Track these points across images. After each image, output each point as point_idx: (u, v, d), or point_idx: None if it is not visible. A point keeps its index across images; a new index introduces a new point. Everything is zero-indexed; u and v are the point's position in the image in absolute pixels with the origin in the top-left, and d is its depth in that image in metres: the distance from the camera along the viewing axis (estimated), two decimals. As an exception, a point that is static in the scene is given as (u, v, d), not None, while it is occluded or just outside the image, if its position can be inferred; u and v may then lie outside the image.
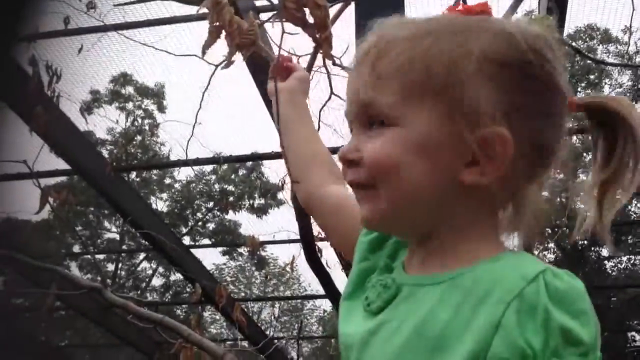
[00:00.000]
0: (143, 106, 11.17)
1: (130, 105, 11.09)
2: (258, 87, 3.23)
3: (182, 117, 4.61)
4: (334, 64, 1.12)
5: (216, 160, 3.82)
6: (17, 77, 2.30)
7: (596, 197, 0.71)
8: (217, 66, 3.05)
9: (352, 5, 1.58)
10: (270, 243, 4.45)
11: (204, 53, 0.96)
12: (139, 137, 10.76)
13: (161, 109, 11.06)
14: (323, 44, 0.63)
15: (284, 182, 3.67)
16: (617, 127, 0.71)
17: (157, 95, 11.10)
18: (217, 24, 0.91)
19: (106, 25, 2.67)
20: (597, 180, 0.71)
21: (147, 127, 10.75)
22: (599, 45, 8.88)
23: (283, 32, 0.79)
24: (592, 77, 9.05)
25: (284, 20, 0.65)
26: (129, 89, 11.04)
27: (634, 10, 2.20)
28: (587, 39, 8.67)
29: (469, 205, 0.69)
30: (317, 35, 0.63)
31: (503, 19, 0.76)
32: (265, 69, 0.97)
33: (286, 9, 0.63)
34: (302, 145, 0.97)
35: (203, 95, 3.04)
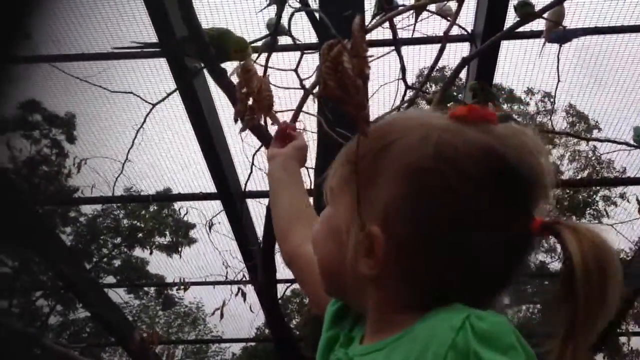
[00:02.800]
0: (51, 135, 10.69)
1: (36, 134, 10.59)
2: (194, 125, 3.25)
3: (92, 149, 4.51)
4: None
5: (145, 198, 3.74)
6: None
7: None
8: (153, 105, 3.02)
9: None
10: (202, 284, 4.38)
11: (236, 120, 0.99)
12: (45, 168, 10.26)
13: (70, 139, 10.62)
14: (359, 122, 0.69)
15: (211, 224, 3.67)
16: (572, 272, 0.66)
17: (66, 124, 10.68)
18: (245, 91, 0.95)
19: (40, 56, 2.61)
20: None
21: (55, 157, 10.27)
22: (504, 104, 9.50)
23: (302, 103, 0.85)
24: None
25: (323, 95, 0.70)
26: (36, 117, 10.56)
27: (559, 81, 2.43)
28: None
29: (374, 289, 0.72)
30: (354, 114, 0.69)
31: (446, 119, 0.73)
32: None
33: (327, 87, 0.69)
34: (288, 206, 1.04)
35: (137, 134, 3.03)
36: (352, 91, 0.73)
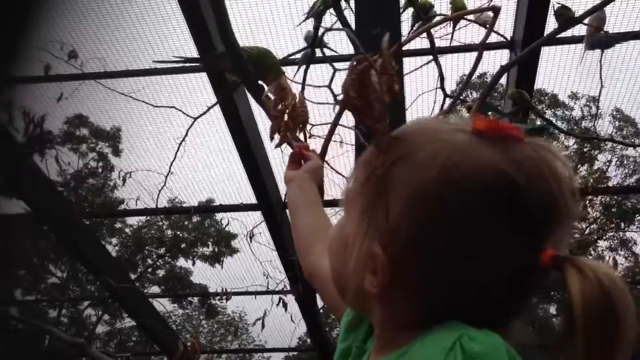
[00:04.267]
0: (97, 149, 11.02)
1: (84, 147, 10.93)
2: (234, 137, 3.30)
3: (137, 163, 4.63)
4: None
5: (187, 210, 3.82)
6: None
7: None
8: (195, 119, 3.08)
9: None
10: (243, 294, 4.43)
11: (271, 138, 1.01)
12: (92, 180, 10.55)
13: (116, 152, 10.91)
14: (378, 134, 0.70)
15: (252, 234, 3.71)
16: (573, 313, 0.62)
17: (112, 138, 10.98)
18: (281, 107, 0.96)
19: (85, 73, 2.71)
20: None
21: (101, 170, 10.57)
22: (547, 109, 9.34)
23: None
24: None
25: (344, 105, 0.71)
26: (84, 131, 10.90)
27: (602, 87, 2.39)
28: (536, 102, 9.12)
29: (379, 306, 0.71)
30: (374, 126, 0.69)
31: (466, 137, 0.69)
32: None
33: (348, 97, 0.70)
34: (307, 226, 1.05)
35: (179, 147, 3.10)
36: (374, 104, 0.73)
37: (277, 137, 1.06)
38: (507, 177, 0.65)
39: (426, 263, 0.66)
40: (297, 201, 1.07)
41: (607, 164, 10.05)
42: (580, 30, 2.58)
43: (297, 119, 0.99)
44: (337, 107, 1.02)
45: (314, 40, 2.81)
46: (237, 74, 1.74)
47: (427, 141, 0.68)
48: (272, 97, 0.98)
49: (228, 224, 4.08)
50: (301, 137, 1.09)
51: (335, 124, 0.97)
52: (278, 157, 3.67)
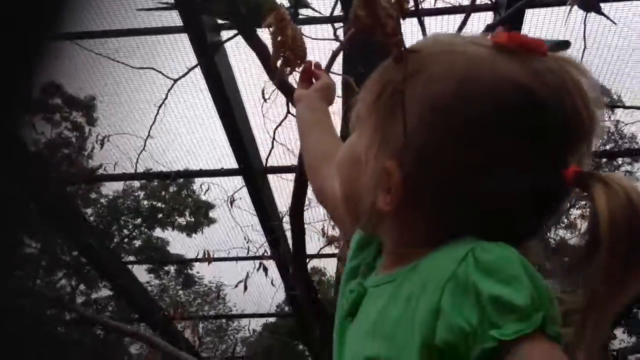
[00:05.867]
0: (71, 118, 10.80)
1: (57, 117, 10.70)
2: (215, 100, 3.25)
3: (115, 127, 4.55)
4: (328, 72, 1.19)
5: (167, 175, 3.79)
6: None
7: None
8: (175, 81, 3.03)
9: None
10: (224, 260, 4.42)
11: (272, 69, 0.99)
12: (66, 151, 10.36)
13: (91, 122, 10.72)
14: (393, 50, 0.68)
15: (232, 199, 3.69)
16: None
17: (86, 107, 10.76)
18: (280, 39, 0.94)
19: (66, 33, 2.61)
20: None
21: (75, 139, 10.38)
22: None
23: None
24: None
25: (353, 26, 0.69)
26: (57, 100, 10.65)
27: (585, 48, 2.39)
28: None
29: (391, 225, 0.70)
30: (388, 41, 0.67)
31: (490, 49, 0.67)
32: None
33: (357, 17, 0.68)
34: (317, 145, 1.02)
35: (158, 110, 3.05)
36: (386, 21, 0.71)
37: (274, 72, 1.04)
38: (527, 89, 0.63)
39: (442, 179, 0.65)
40: (307, 121, 1.04)
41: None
42: (565, -8, 2.57)
43: (297, 52, 0.97)
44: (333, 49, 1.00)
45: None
46: (229, 17, 1.68)
47: (443, 52, 0.67)
48: (271, 27, 0.96)
49: (209, 189, 4.05)
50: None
51: (332, 60, 0.96)
52: (260, 121, 3.64)
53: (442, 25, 3.23)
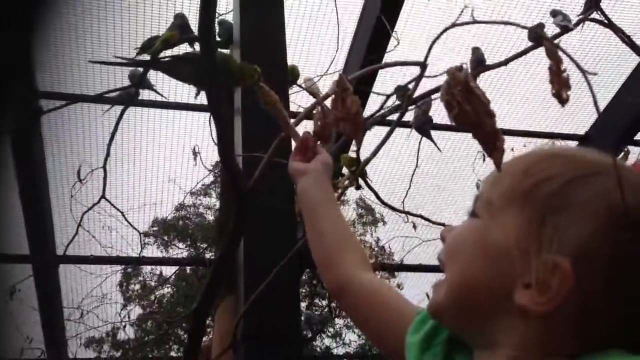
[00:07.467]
0: None
1: None
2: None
3: None
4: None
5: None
6: None
7: None
8: None
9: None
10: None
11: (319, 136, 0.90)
12: None
13: None
14: (494, 153, 0.67)
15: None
16: None
17: None
18: (341, 108, 0.86)
19: None
20: None
21: None
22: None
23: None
24: None
25: (458, 122, 0.68)
26: None
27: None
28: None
29: (526, 327, 0.65)
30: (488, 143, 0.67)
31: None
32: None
33: (463, 112, 0.66)
34: (332, 229, 0.93)
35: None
36: (484, 119, 0.71)
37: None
38: None
39: (618, 295, 0.62)
40: (318, 200, 0.94)
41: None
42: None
43: (357, 125, 0.88)
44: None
45: (140, 80, 2.64)
46: (198, 81, 1.50)
47: (608, 166, 0.66)
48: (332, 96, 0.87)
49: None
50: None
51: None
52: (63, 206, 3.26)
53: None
